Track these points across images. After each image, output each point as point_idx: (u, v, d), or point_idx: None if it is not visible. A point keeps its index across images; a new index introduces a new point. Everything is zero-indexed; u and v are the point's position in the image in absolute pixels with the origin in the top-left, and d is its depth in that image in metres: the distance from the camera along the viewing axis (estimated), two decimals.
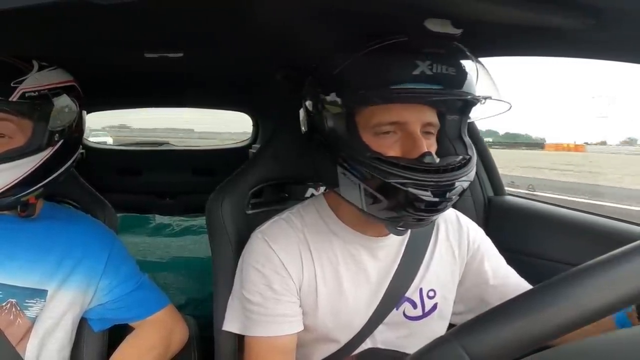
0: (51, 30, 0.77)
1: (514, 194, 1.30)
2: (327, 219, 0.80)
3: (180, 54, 1.01)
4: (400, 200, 0.64)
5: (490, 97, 0.68)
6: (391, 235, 0.78)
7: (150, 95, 1.91)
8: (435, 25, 0.63)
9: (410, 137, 0.67)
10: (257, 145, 2.37)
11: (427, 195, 0.63)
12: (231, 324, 0.80)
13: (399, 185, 0.63)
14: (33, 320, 0.80)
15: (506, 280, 0.84)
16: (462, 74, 0.66)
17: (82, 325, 0.90)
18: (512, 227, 1.19)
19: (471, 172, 0.68)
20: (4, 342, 0.75)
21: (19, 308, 0.78)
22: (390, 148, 0.67)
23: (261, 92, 1.75)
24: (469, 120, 0.75)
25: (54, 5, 0.50)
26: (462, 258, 0.84)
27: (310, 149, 0.75)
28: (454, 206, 1.21)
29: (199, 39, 0.90)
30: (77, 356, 0.90)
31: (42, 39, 0.83)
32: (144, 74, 1.33)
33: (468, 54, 0.68)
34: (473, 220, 1.22)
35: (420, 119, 0.68)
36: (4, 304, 0.78)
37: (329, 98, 0.69)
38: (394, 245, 0.80)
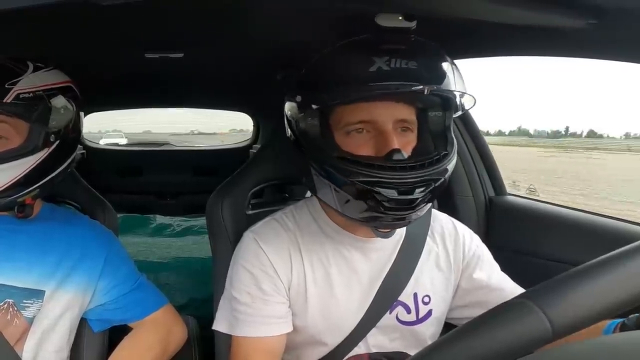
0: (51, 31, 0.77)
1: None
2: (319, 220, 0.79)
3: (181, 54, 1.01)
4: (369, 200, 0.63)
5: (439, 86, 0.65)
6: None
7: (151, 95, 1.91)
8: (386, 20, 0.62)
9: (381, 135, 0.66)
10: (257, 146, 2.37)
11: (392, 194, 0.62)
12: (220, 324, 0.80)
13: (362, 184, 0.62)
14: (30, 321, 0.80)
15: (500, 287, 0.83)
16: (425, 68, 0.64)
17: (82, 325, 0.90)
18: (514, 227, 1.18)
19: (443, 168, 0.66)
20: (2, 342, 0.75)
21: (16, 308, 0.78)
22: (362, 147, 0.66)
23: (261, 92, 1.75)
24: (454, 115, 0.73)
25: (54, 6, 0.50)
26: (458, 266, 0.83)
27: (294, 152, 0.74)
28: (455, 207, 1.23)
29: (199, 39, 0.90)
30: (77, 357, 0.90)
31: (43, 39, 0.83)
32: (144, 74, 1.33)
33: (431, 45, 0.67)
34: (474, 220, 1.23)
35: (391, 116, 0.66)
36: (1, 304, 0.78)
37: (296, 101, 0.69)
38: (387, 247, 0.79)
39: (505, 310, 0.37)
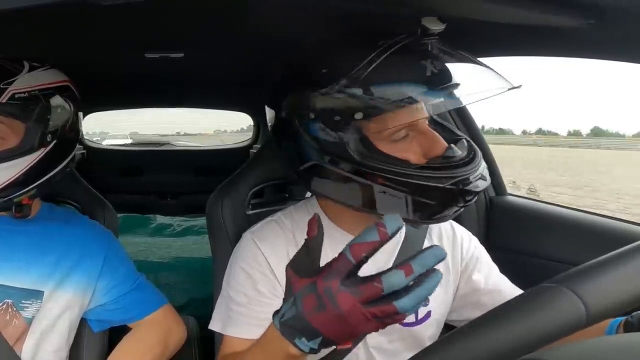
0: (51, 31, 0.77)
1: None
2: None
3: (181, 54, 1.01)
4: (451, 199, 0.65)
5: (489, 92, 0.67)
6: None
7: (151, 95, 1.91)
8: (430, 23, 0.63)
9: (426, 136, 0.67)
10: (257, 146, 2.37)
11: (475, 186, 0.65)
12: (215, 323, 0.80)
13: (453, 186, 0.64)
14: (29, 321, 0.80)
15: (497, 289, 0.82)
16: (455, 69, 0.66)
17: (82, 325, 0.90)
18: (514, 227, 1.18)
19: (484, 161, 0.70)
20: (1, 343, 0.75)
21: (15, 309, 0.78)
22: (411, 152, 0.66)
23: (262, 92, 1.74)
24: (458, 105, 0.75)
25: (53, 6, 0.50)
26: (456, 268, 0.83)
27: (295, 157, 0.71)
28: None
29: (199, 39, 0.90)
30: (77, 356, 0.90)
31: (42, 39, 0.83)
32: (144, 74, 1.33)
33: (454, 47, 0.68)
34: (474, 220, 1.23)
35: (425, 116, 0.68)
36: (0, 305, 0.78)
37: (335, 108, 0.64)
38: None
39: (537, 294, 0.36)
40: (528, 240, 1.14)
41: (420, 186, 0.64)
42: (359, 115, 0.63)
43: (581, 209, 1.14)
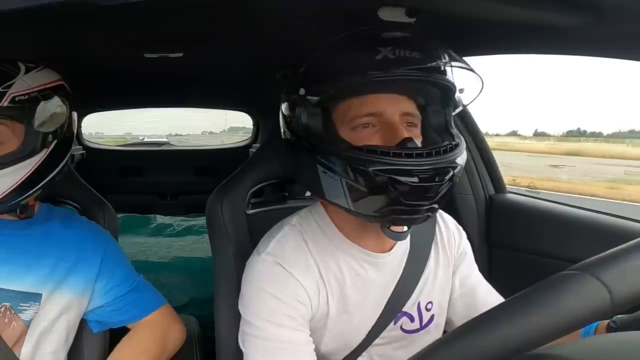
0: (52, 31, 0.77)
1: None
2: (328, 231, 0.74)
3: (180, 54, 1.01)
4: (387, 191, 0.59)
5: (464, 68, 0.65)
6: (392, 251, 0.74)
7: (150, 95, 1.91)
8: (387, 14, 0.62)
9: (389, 127, 0.64)
10: (257, 145, 2.37)
11: (412, 181, 0.58)
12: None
13: (381, 173, 0.59)
14: (28, 324, 0.80)
15: (474, 289, 0.81)
16: (428, 58, 0.62)
17: (83, 326, 0.90)
18: (514, 225, 1.18)
19: (460, 157, 0.64)
20: (1, 345, 0.75)
21: (13, 311, 0.78)
22: (370, 140, 0.64)
23: (261, 91, 1.75)
24: (453, 112, 0.72)
25: (53, 6, 0.50)
26: (452, 263, 0.82)
27: (292, 154, 0.71)
28: (455, 205, 1.23)
29: (198, 39, 0.90)
30: (78, 357, 0.90)
31: (42, 40, 0.83)
32: (143, 74, 1.33)
33: (430, 38, 0.65)
34: (474, 218, 1.23)
35: (397, 109, 0.65)
36: None
37: (299, 96, 0.65)
38: (394, 261, 0.76)
39: (561, 281, 0.35)
40: (528, 238, 1.14)
41: (348, 167, 0.61)
42: (312, 104, 0.65)
43: (581, 206, 1.14)
